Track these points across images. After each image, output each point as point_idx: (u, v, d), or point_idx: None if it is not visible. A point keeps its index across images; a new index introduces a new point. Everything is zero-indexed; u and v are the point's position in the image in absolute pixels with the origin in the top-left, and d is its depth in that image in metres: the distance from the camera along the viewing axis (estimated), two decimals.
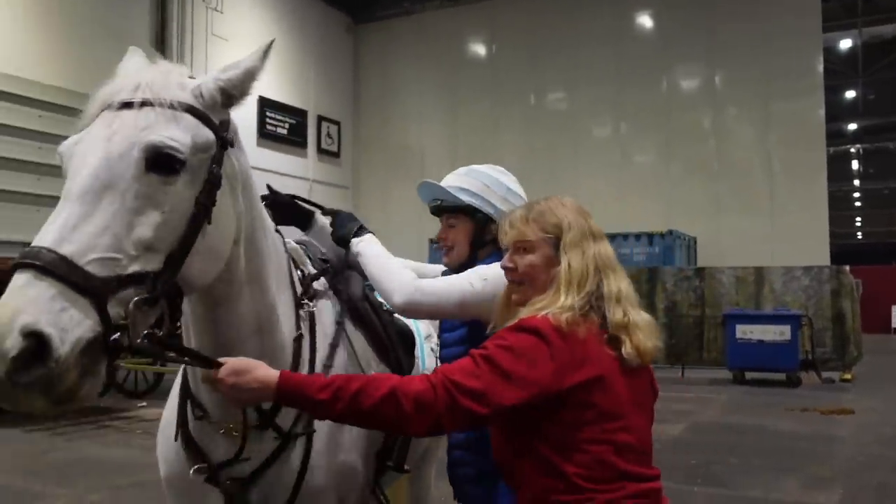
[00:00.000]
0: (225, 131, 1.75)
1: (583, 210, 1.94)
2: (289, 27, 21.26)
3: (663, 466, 6.10)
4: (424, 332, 2.76)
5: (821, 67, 20.13)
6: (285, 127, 21.74)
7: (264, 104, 20.99)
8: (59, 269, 1.39)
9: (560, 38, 21.67)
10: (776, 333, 12.60)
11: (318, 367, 2.06)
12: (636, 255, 17.45)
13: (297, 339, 2.00)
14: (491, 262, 2.24)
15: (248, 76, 1.76)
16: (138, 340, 1.53)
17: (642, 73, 21.12)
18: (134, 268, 1.49)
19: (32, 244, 1.44)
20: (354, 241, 2.24)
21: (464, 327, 2.32)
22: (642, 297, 14.98)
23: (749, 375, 13.10)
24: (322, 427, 1.96)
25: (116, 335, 1.45)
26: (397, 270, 2.17)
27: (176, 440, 2.00)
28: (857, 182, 37.05)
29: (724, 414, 9.96)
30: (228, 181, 1.75)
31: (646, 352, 1.77)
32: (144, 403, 10.34)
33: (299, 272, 2.20)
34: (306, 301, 2.11)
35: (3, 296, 1.37)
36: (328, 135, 23.56)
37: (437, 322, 2.57)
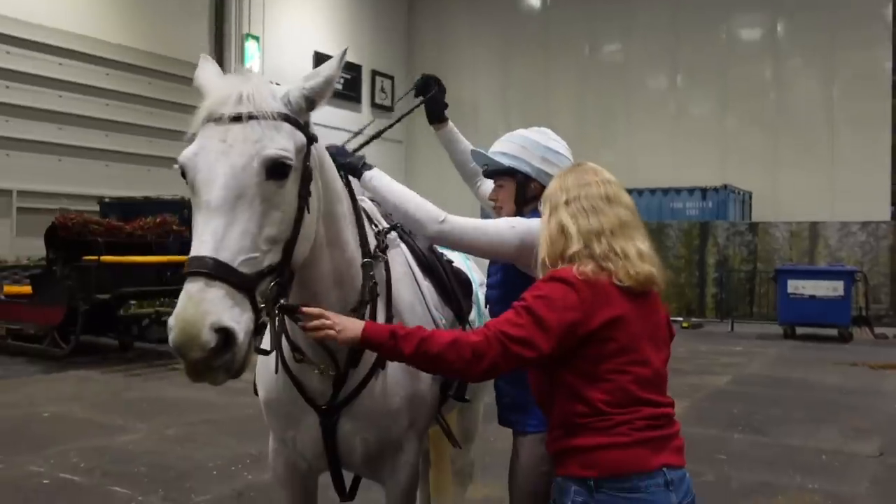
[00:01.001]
0: (310, 130, 2.01)
1: (582, 179, 2.14)
2: None
3: (705, 414, 6.38)
4: (479, 279, 3.07)
5: (889, 16, 19.33)
6: (340, 82, 21.88)
7: (319, 59, 21.25)
8: (222, 274, 1.71)
9: None
10: (829, 289, 12.52)
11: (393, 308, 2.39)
12: (689, 210, 17.37)
13: (372, 288, 2.30)
14: (531, 217, 2.49)
15: (328, 84, 1.99)
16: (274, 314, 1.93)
17: (700, 23, 20.63)
18: (267, 262, 1.82)
19: (194, 253, 1.74)
20: (367, 173, 2.42)
21: (501, 272, 2.58)
22: (693, 251, 15.16)
23: (800, 331, 13.08)
24: (396, 363, 2.27)
25: (262, 318, 1.82)
26: (422, 202, 2.41)
27: (276, 372, 2.34)
28: None
29: (770, 367, 10.07)
30: (314, 170, 2.02)
31: (640, 275, 2.00)
32: None
33: (374, 227, 2.48)
34: (380, 253, 2.37)
35: (187, 299, 1.68)
36: (382, 89, 23.76)
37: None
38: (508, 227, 2.40)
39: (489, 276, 2.72)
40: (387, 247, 2.44)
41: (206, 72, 2.08)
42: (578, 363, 1.96)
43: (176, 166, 1.93)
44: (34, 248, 12.15)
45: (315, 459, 2.39)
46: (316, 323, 1.95)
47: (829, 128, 19.57)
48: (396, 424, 2.35)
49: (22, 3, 14.71)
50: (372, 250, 2.34)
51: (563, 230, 2.04)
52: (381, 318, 2.32)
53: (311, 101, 1.98)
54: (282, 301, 1.94)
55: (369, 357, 2.24)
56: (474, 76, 23.79)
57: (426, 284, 2.61)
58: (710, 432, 6.28)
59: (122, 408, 7.15)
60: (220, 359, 1.69)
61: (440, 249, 2.80)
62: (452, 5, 24.04)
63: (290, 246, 1.89)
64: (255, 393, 2.49)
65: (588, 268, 1.97)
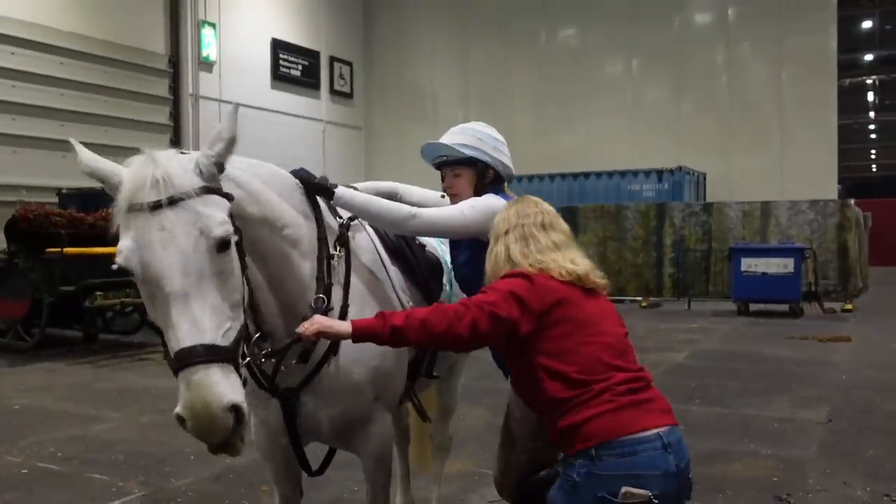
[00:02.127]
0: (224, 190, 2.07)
1: (523, 210, 2.44)
2: None
3: (665, 388, 6.63)
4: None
5: (835, 2, 19.96)
6: (298, 69, 21.89)
7: (277, 45, 21.12)
8: (213, 356, 1.84)
9: None
10: (780, 266, 13.01)
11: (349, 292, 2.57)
12: (646, 192, 17.78)
13: (328, 287, 2.45)
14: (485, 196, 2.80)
15: (232, 145, 2.04)
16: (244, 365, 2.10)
17: (655, 9, 21.03)
18: (237, 326, 1.96)
19: (181, 344, 1.84)
20: (336, 191, 2.60)
21: (468, 251, 2.81)
22: (650, 232, 15.55)
23: (753, 307, 13.57)
24: (346, 343, 2.42)
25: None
26: (393, 205, 2.66)
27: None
28: (872, 114, 36.72)
29: (725, 342, 10.47)
30: (242, 225, 2.13)
31: (573, 272, 2.31)
32: None
33: (339, 219, 2.63)
34: (336, 253, 2.52)
35: (193, 389, 1.81)
36: (340, 76, 23.69)
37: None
38: (469, 208, 2.70)
39: (455, 257, 2.92)
40: (347, 240, 2.58)
41: (88, 155, 2.06)
42: (545, 346, 2.17)
43: (115, 266, 1.94)
44: None
45: (283, 435, 2.56)
46: (308, 325, 2.19)
47: (779, 110, 20.16)
48: (361, 398, 2.52)
49: None
50: (331, 247, 2.51)
51: (504, 254, 2.35)
52: (336, 305, 2.46)
53: (220, 166, 2.04)
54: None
55: (320, 348, 2.42)
56: (433, 62, 23.86)
57: (393, 269, 2.78)
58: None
59: (94, 398, 7.18)
60: (237, 431, 1.87)
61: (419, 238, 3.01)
62: None
63: (246, 299, 2.05)
64: None
65: (528, 267, 2.28)
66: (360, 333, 2.19)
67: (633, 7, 21.20)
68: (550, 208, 2.49)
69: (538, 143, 21.71)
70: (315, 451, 2.72)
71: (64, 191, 13.68)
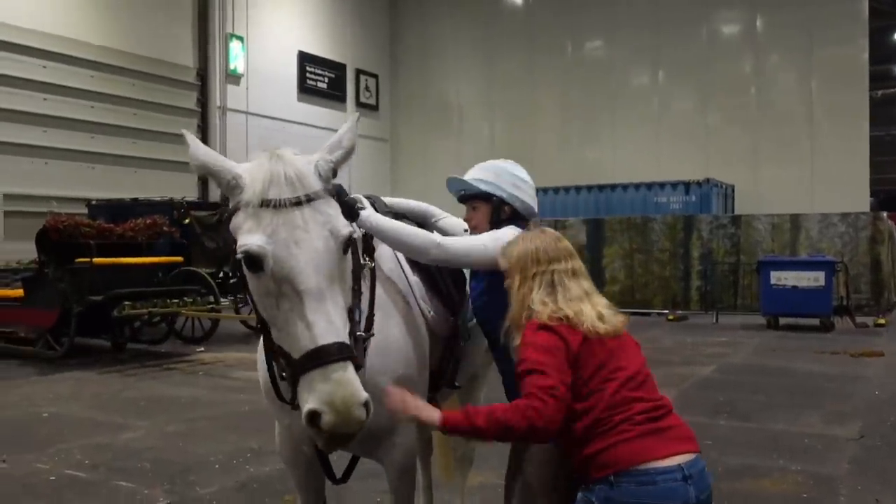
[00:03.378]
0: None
1: (536, 237, 2.42)
2: None
3: (692, 402, 6.60)
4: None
5: (866, 11, 19.74)
6: (325, 81, 22.11)
7: (304, 58, 21.36)
8: (347, 354, 1.93)
9: None
10: (810, 279, 12.79)
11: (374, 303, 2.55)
12: (672, 204, 17.63)
13: (358, 295, 2.39)
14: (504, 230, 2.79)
15: (349, 154, 2.17)
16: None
17: (681, 20, 20.94)
18: (349, 325, 2.04)
19: (319, 342, 1.89)
20: (363, 213, 2.58)
21: (482, 281, 2.80)
22: (677, 245, 15.40)
23: (783, 321, 13.34)
24: (377, 348, 2.43)
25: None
26: (417, 230, 2.66)
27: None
28: None
29: (754, 356, 10.30)
30: None
31: (597, 328, 2.24)
32: (202, 348, 11.04)
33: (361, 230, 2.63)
34: (366, 261, 2.52)
35: (334, 386, 1.87)
36: (366, 88, 23.88)
37: None
38: (492, 240, 2.67)
39: (472, 288, 2.92)
40: (374, 249, 2.59)
41: (201, 149, 2.12)
42: (575, 387, 2.17)
43: (240, 255, 1.96)
44: (22, 252, 12.21)
45: (308, 445, 2.54)
46: (400, 403, 2.17)
47: (809, 121, 19.93)
48: (384, 409, 2.50)
49: (3, 5, 14.71)
50: (360, 258, 2.48)
51: (530, 300, 2.30)
52: (364, 314, 2.44)
53: (335, 172, 2.14)
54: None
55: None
56: (458, 75, 23.96)
57: (415, 279, 2.78)
58: (696, 419, 6.46)
59: (121, 406, 7.25)
60: (364, 424, 1.93)
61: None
62: (435, 3, 24.16)
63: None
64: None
65: (546, 319, 2.24)
66: (448, 427, 2.16)
67: (660, 18, 21.13)
68: (569, 246, 2.47)
69: (564, 156, 21.69)
70: (338, 461, 2.71)
71: (93, 202, 13.91)
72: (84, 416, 6.84)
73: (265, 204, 1.94)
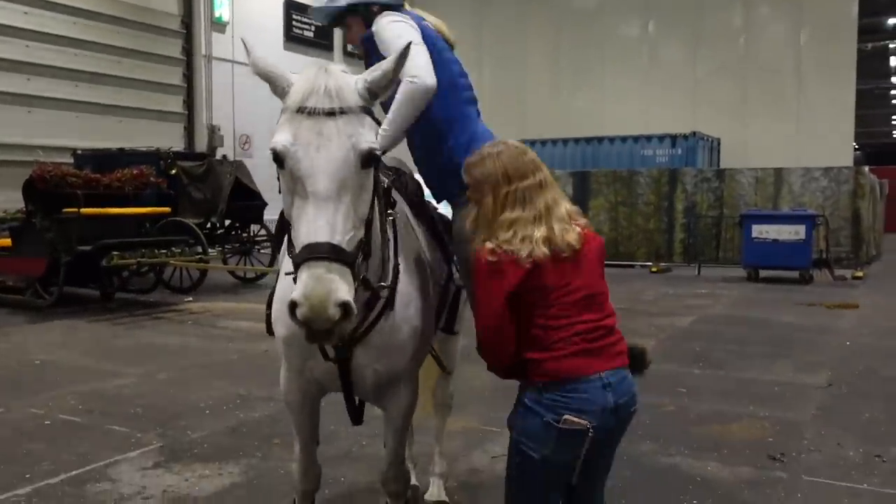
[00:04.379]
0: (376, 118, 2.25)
1: (502, 154, 2.43)
2: None
3: (668, 353, 6.81)
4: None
5: None
6: (311, 29, 21.78)
7: (290, 6, 21.01)
8: (337, 255, 2.00)
9: None
10: (791, 233, 13.01)
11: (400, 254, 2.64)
12: (658, 157, 17.74)
13: (386, 242, 2.53)
14: (381, 17, 2.82)
15: (385, 78, 2.21)
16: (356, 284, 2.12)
17: None
18: (358, 237, 2.11)
19: (312, 238, 2.00)
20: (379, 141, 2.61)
21: (419, 134, 2.86)
22: (662, 198, 15.55)
23: (763, 274, 13.60)
24: (400, 297, 2.56)
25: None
26: (401, 101, 2.61)
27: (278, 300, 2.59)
28: (894, 80, 36.10)
29: (732, 308, 10.55)
30: None
31: (566, 244, 2.33)
32: (190, 298, 11.16)
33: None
34: (391, 211, 2.61)
35: (315, 280, 1.95)
36: None
37: None
38: (396, 37, 2.68)
39: (410, 142, 2.98)
40: (395, 203, 2.67)
41: (260, 56, 2.25)
42: (524, 311, 2.35)
43: (269, 150, 2.11)
44: (8, 202, 12.18)
45: (329, 384, 2.66)
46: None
47: (797, 74, 19.94)
48: (403, 356, 2.63)
49: None
50: (384, 211, 2.55)
51: (496, 213, 2.35)
52: (391, 264, 2.55)
53: (373, 94, 2.21)
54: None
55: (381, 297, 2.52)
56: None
57: (420, 229, 2.91)
58: (672, 368, 6.70)
59: (112, 354, 7.39)
60: (341, 327, 1.99)
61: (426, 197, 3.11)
62: None
63: (370, 221, 2.21)
64: (269, 332, 2.71)
65: (497, 245, 2.32)
66: None
67: None
68: (535, 157, 2.49)
69: (552, 106, 21.64)
70: (326, 406, 2.85)
71: (79, 151, 13.83)
72: (76, 364, 6.98)
73: (301, 110, 2.09)
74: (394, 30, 2.79)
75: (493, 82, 23.05)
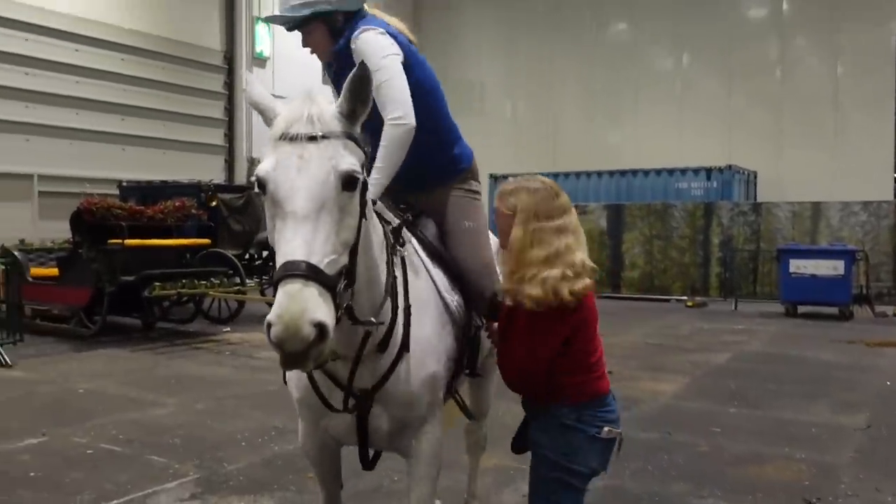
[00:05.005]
0: (364, 146, 2.23)
1: (538, 192, 2.54)
2: None
3: (704, 390, 6.77)
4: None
5: None
6: None
7: None
8: (314, 275, 1.93)
9: None
10: (830, 268, 12.83)
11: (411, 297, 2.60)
12: (694, 190, 17.64)
13: (393, 283, 2.49)
14: (362, 32, 2.79)
15: (351, 95, 2.17)
16: (339, 314, 2.05)
17: (705, 3, 20.78)
18: (341, 263, 2.05)
19: (288, 257, 1.96)
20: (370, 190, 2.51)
21: None
22: (697, 231, 15.45)
23: (802, 309, 13.40)
24: (415, 342, 2.53)
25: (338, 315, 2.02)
26: (387, 146, 2.66)
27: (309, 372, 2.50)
28: None
29: (769, 345, 10.41)
30: None
31: (580, 292, 2.46)
32: (228, 329, 11.36)
33: (387, 224, 2.64)
34: (399, 248, 2.59)
35: (288, 298, 1.89)
36: None
37: None
38: (381, 58, 2.73)
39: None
40: (404, 242, 2.65)
41: (257, 90, 2.31)
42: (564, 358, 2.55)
43: (253, 179, 2.18)
44: (56, 231, 12.58)
45: (346, 438, 2.63)
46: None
47: (834, 106, 19.75)
48: (420, 403, 2.58)
49: None
50: (390, 248, 2.55)
51: (525, 247, 2.47)
52: (401, 307, 2.52)
53: (348, 116, 2.18)
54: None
55: (395, 341, 2.49)
56: (480, 56, 23.94)
57: (436, 271, 2.83)
58: (706, 406, 6.65)
59: (152, 384, 7.56)
60: (314, 349, 1.91)
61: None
62: None
63: (355, 249, 2.14)
64: (285, 382, 2.71)
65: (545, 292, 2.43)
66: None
67: (683, 1, 20.98)
68: (566, 201, 2.58)
69: (585, 139, 21.70)
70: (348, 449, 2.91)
71: (124, 183, 14.25)
72: (117, 393, 7.16)
73: (284, 137, 2.10)
74: (376, 45, 2.76)
75: (525, 115, 23.24)
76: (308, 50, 3.00)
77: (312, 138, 2.08)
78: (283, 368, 1.99)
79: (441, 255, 2.96)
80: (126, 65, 16.59)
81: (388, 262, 2.50)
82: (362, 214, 2.18)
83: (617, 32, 22.53)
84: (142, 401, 6.82)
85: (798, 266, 13.08)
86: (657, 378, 7.94)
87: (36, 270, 10.97)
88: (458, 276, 2.96)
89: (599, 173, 19.25)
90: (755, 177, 19.53)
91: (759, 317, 13.33)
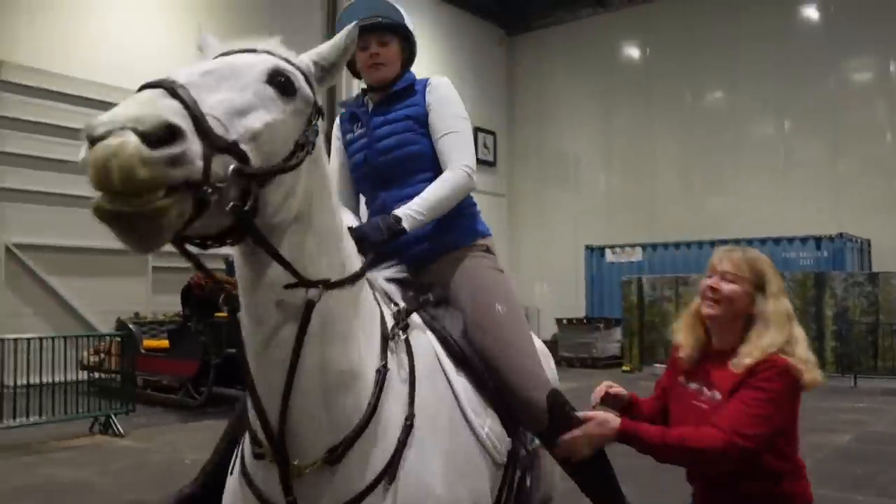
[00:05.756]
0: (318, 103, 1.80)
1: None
2: (443, 41, 22.03)
3: (826, 475, 6.34)
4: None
5: None
6: None
7: None
8: (187, 98, 1.40)
9: (718, 37, 21.19)
10: None
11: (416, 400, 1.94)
12: (802, 260, 16.88)
13: (380, 370, 1.88)
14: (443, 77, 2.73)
15: (335, 49, 1.84)
16: (227, 208, 1.48)
17: (807, 68, 20.28)
18: (232, 137, 1.47)
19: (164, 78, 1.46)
20: (400, 219, 2.31)
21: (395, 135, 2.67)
22: (809, 303, 14.69)
23: None
24: (405, 486, 1.80)
25: (209, 190, 1.41)
26: (440, 186, 2.45)
27: (230, 475, 1.96)
28: None
29: None
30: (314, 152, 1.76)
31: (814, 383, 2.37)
32: None
33: (394, 306, 2.13)
34: (398, 332, 2.01)
35: (136, 100, 1.37)
36: (484, 145, 24.36)
37: None
38: (464, 120, 2.75)
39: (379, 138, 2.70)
40: (407, 325, 2.07)
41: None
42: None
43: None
44: (167, 305, 13.16)
45: None
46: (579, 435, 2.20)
47: None
48: None
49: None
50: (389, 331, 1.99)
51: (787, 321, 2.42)
52: (399, 413, 1.87)
53: (321, 68, 1.83)
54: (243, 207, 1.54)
55: (365, 453, 1.78)
56: (574, 128, 24.06)
57: (460, 380, 2.15)
58: (829, 494, 6.15)
59: None
60: (158, 170, 1.29)
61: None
62: (552, 57, 24.50)
63: (271, 168, 1.58)
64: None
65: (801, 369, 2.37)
66: (624, 432, 2.22)
67: (783, 66, 20.56)
68: None
69: (684, 208, 21.26)
70: None
71: (230, 259, 14.84)
72: None
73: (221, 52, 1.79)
74: (457, 97, 2.73)
75: (620, 185, 23.02)
76: (366, 61, 2.61)
77: (250, 50, 1.72)
78: (99, 219, 1.34)
79: (469, 360, 2.25)
80: None
81: (382, 350, 1.91)
82: (294, 158, 1.64)
83: (714, 100, 22.23)
84: None
85: None
86: None
87: (148, 342, 11.49)
88: (494, 388, 2.26)
89: (700, 243, 18.72)
90: (869, 245, 18.53)
91: (881, 394, 12.42)
